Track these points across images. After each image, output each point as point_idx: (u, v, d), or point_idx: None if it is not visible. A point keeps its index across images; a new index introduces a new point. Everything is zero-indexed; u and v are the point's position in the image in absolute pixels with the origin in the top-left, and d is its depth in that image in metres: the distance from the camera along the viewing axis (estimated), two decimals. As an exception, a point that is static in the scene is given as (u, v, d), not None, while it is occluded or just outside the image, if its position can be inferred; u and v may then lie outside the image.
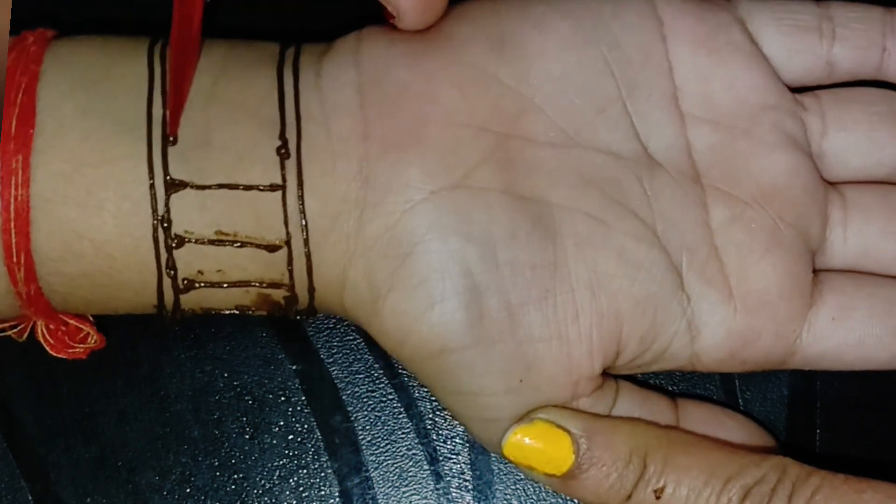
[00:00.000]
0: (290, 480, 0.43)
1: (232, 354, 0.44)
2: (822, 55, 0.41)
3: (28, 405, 0.43)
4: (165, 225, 0.37)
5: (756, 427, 0.41)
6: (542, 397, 0.38)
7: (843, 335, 0.40)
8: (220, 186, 0.37)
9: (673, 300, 0.39)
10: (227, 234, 0.37)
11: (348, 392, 0.44)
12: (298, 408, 0.44)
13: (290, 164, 0.37)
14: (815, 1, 0.41)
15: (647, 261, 0.38)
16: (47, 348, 0.40)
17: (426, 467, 0.44)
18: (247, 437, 0.43)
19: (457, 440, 0.44)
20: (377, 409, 0.44)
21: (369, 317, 0.38)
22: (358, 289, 0.38)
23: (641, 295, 0.38)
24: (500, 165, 0.38)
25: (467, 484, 0.44)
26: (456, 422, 0.43)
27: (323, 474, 0.43)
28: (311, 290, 0.38)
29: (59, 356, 0.40)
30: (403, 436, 0.44)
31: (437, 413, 0.44)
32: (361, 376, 0.44)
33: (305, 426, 0.44)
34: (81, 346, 0.41)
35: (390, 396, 0.44)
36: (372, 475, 0.43)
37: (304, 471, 0.43)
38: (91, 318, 0.41)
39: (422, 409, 0.44)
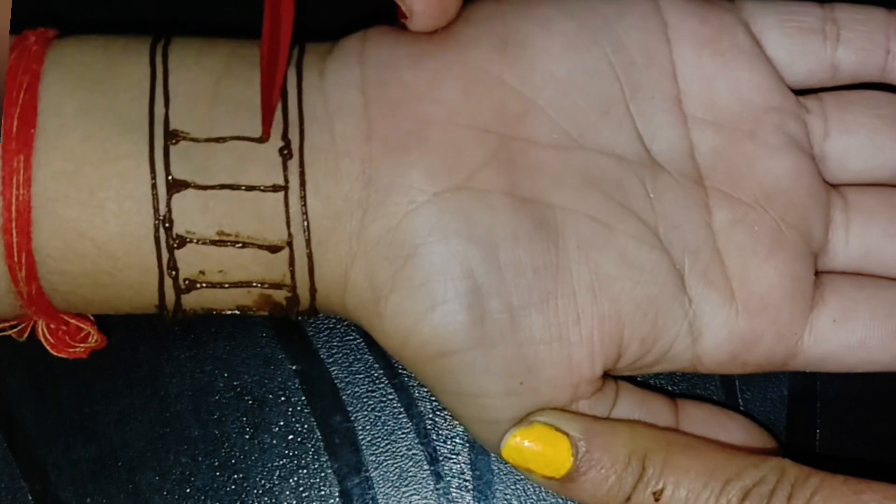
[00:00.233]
0: (290, 480, 0.43)
1: (232, 354, 0.44)
2: (826, 57, 0.41)
3: (28, 405, 0.43)
4: (167, 225, 0.37)
5: (756, 428, 0.41)
6: (543, 399, 0.38)
7: (844, 337, 0.40)
8: (223, 187, 0.37)
9: (675, 302, 0.39)
10: (228, 235, 0.37)
11: (348, 392, 0.44)
12: (298, 408, 0.44)
13: (293, 164, 0.37)
14: (818, 3, 0.41)
15: (650, 263, 0.38)
16: (48, 348, 0.40)
17: (426, 467, 0.44)
18: (247, 437, 0.43)
19: (457, 440, 0.44)
20: (377, 409, 0.44)
21: (371, 318, 0.38)
22: (359, 290, 0.38)
23: (643, 297, 0.38)
24: (503, 167, 0.38)
25: (467, 484, 0.44)
26: (456, 422, 0.43)
27: (323, 474, 0.43)
28: (313, 290, 0.38)
29: (60, 355, 0.40)
30: (403, 436, 0.44)
31: (437, 413, 0.44)
32: (361, 376, 0.44)
33: (305, 426, 0.44)
34: (82, 345, 0.40)
35: (390, 396, 0.44)
36: (372, 475, 0.43)
37: (304, 471, 0.43)
38: (92, 318, 0.41)
39: (422, 409, 0.44)
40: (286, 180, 0.37)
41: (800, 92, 0.41)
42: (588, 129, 0.39)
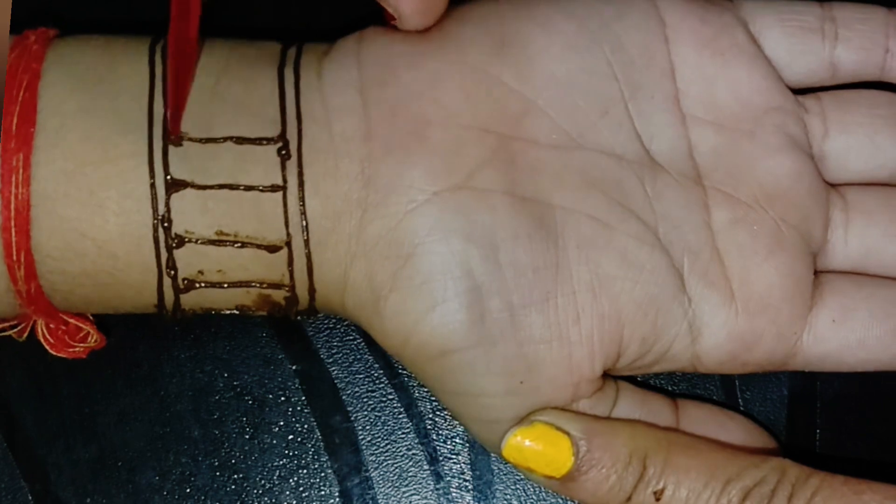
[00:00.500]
0: (290, 480, 0.43)
1: (232, 354, 0.44)
2: (825, 57, 0.41)
3: (28, 405, 0.43)
4: (166, 225, 0.37)
5: (756, 428, 0.41)
6: (543, 399, 0.38)
7: (843, 337, 0.40)
8: (221, 187, 0.37)
9: (674, 302, 0.39)
10: (227, 235, 0.37)
11: (348, 392, 0.44)
12: (298, 408, 0.44)
13: (291, 164, 0.37)
14: (817, 2, 0.41)
15: (649, 263, 0.38)
16: (47, 347, 0.40)
17: (426, 467, 0.44)
18: (247, 437, 0.43)
19: (457, 440, 0.44)
20: (377, 409, 0.44)
21: (370, 317, 0.38)
22: (359, 289, 0.38)
23: (643, 297, 0.38)
24: (503, 167, 0.38)
25: (467, 484, 0.44)
26: (456, 422, 0.43)
27: (323, 474, 0.43)
28: (312, 290, 0.38)
29: (60, 355, 0.40)
30: (403, 436, 0.44)
31: (437, 413, 0.44)
32: (361, 376, 0.44)
33: (305, 426, 0.44)
34: (82, 345, 0.40)
35: (390, 396, 0.44)
36: (372, 475, 0.43)
37: (304, 471, 0.43)
38: (91, 318, 0.41)
39: (422, 409, 0.44)
40: (285, 180, 0.37)
41: (799, 91, 0.41)
42: (588, 129, 0.39)
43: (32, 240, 0.37)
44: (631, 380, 0.41)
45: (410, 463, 0.44)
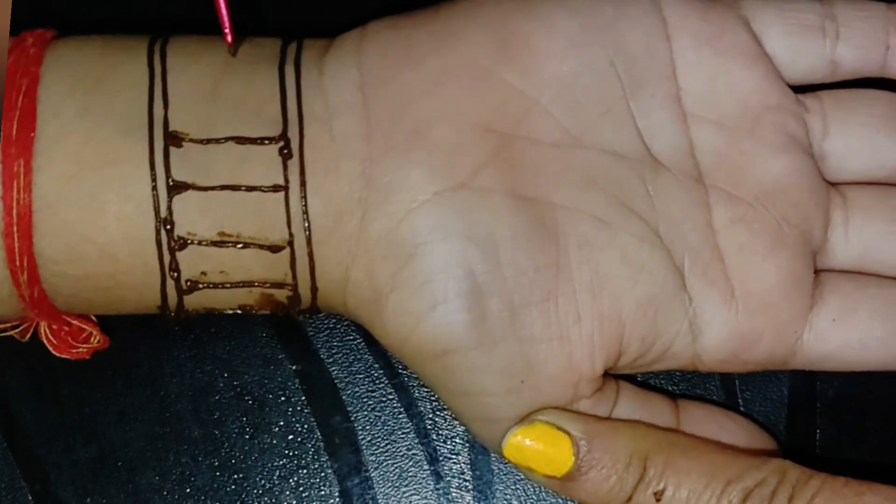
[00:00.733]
0: (290, 480, 0.43)
1: (232, 354, 0.44)
2: (826, 54, 0.41)
3: (28, 405, 0.43)
4: (168, 227, 0.37)
5: (756, 429, 0.41)
6: (543, 398, 0.38)
7: (844, 336, 0.40)
8: (223, 187, 0.37)
9: (675, 301, 0.39)
10: (229, 236, 0.37)
11: (348, 392, 0.44)
12: (298, 408, 0.44)
13: (293, 164, 0.37)
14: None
15: (650, 262, 0.38)
16: (50, 349, 0.40)
17: (426, 467, 0.44)
18: (247, 437, 0.43)
19: (457, 440, 0.44)
20: (377, 409, 0.44)
21: (372, 316, 0.38)
22: (360, 289, 0.38)
23: (643, 296, 0.38)
24: (505, 166, 0.38)
25: (467, 484, 0.44)
26: (456, 422, 0.43)
27: (323, 474, 0.43)
28: (314, 289, 0.38)
29: (63, 356, 0.40)
30: (403, 436, 0.44)
31: (437, 413, 0.44)
32: (361, 376, 0.44)
33: (305, 426, 0.44)
34: (85, 345, 0.40)
35: (390, 396, 0.44)
36: (372, 475, 0.44)
37: (304, 471, 0.43)
38: (93, 318, 0.41)
39: (422, 409, 0.44)
40: (286, 180, 0.37)
41: (799, 89, 0.41)
42: (589, 127, 0.39)
43: (35, 245, 0.37)
44: (631, 380, 0.41)
45: (410, 463, 0.44)
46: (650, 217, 0.39)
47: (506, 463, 0.43)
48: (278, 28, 0.41)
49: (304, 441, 0.43)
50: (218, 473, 0.43)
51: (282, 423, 0.43)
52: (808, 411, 0.44)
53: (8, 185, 0.36)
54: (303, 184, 0.37)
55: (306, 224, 0.37)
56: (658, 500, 0.37)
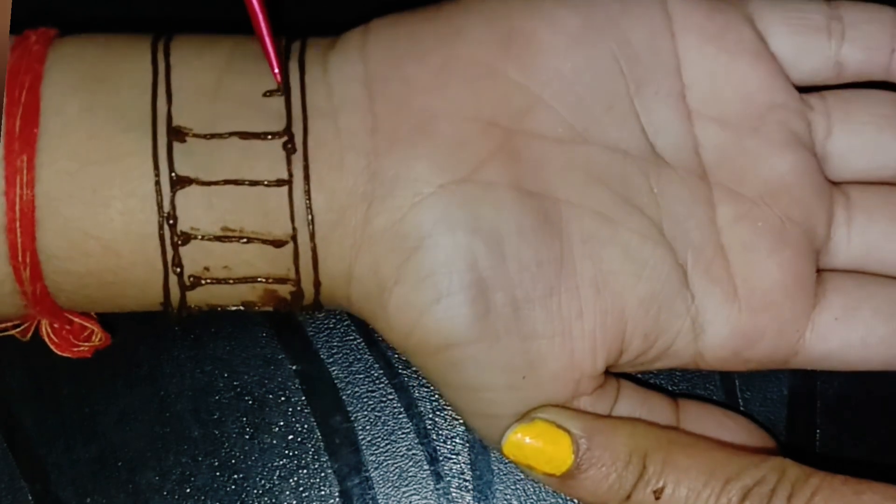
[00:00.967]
0: (290, 480, 0.43)
1: (232, 354, 0.44)
2: (831, 55, 0.41)
3: (28, 405, 0.43)
4: (171, 222, 0.37)
5: (756, 428, 0.41)
6: (545, 394, 0.38)
7: (846, 335, 0.40)
8: (226, 182, 0.37)
9: (677, 298, 0.39)
10: (233, 231, 0.37)
11: (348, 392, 0.44)
12: (298, 408, 0.44)
13: (297, 158, 0.37)
14: (825, 1, 0.41)
15: (653, 259, 0.38)
16: (52, 347, 0.40)
17: (426, 467, 0.44)
18: (247, 437, 0.43)
19: (457, 440, 0.44)
20: (377, 409, 0.44)
21: (375, 310, 0.38)
22: (364, 282, 0.38)
23: (646, 293, 0.38)
24: (509, 160, 0.38)
25: (467, 484, 0.44)
26: (456, 422, 0.43)
27: (323, 474, 0.43)
28: (318, 284, 0.38)
29: (64, 355, 0.40)
30: (403, 436, 0.44)
31: (437, 413, 0.44)
32: (361, 376, 0.44)
33: (305, 426, 0.44)
34: (86, 344, 0.40)
35: (390, 396, 0.44)
36: (372, 475, 0.43)
37: (304, 471, 0.43)
38: (95, 316, 0.41)
39: (422, 409, 0.44)
40: (290, 175, 0.37)
41: (803, 89, 0.41)
42: (593, 123, 0.39)
43: (37, 241, 0.37)
44: (631, 378, 0.41)
45: (410, 463, 0.44)
46: (653, 214, 0.39)
47: (506, 463, 0.43)
48: (282, 27, 0.41)
49: (304, 441, 0.43)
50: (218, 473, 0.43)
51: (282, 423, 0.43)
52: (808, 411, 0.44)
53: (11, 182, 0.36)
54: (306, 178, 0.37)
55: (310, 218, 0.37)
56: (657, 499, 0.37)
